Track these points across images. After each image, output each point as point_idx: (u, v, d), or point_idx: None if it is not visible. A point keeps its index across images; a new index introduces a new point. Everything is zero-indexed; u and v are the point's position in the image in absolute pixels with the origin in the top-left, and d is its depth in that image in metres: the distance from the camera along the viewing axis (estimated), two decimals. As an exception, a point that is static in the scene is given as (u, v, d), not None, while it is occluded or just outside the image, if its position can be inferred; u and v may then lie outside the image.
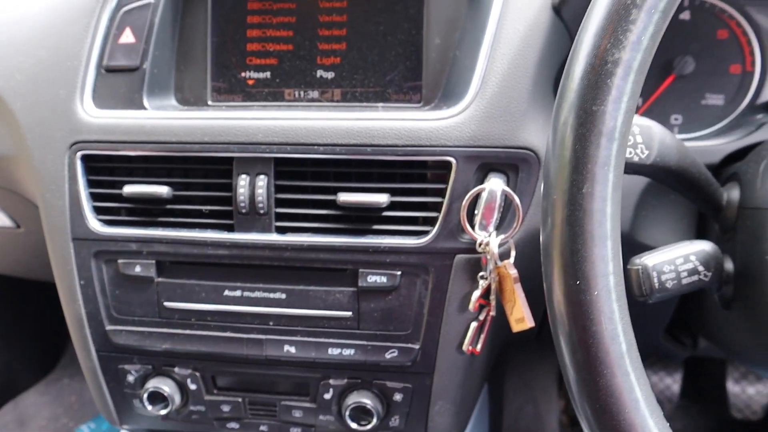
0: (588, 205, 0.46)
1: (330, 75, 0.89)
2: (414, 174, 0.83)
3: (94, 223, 0.89)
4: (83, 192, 0.88)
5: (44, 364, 1.90)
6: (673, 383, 1.66)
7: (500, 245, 0.80)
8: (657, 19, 0.46)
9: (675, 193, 0.81)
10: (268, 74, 0.90)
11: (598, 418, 0.47)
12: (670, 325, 1.07)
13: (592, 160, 0.46)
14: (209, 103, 0.92)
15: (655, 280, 0.63)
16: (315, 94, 0.90)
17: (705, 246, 0.66)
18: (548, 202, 0.49)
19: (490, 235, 0.79)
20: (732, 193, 0.74)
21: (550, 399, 1.61)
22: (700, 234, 0.87)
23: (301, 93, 0.90)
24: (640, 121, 0.64)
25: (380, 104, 0.88)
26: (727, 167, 0.83)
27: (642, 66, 0.47)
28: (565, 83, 0.49)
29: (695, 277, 0.66)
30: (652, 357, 1.67)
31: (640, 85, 0.48)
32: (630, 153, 0.64)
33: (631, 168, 0.65)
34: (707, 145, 0.86)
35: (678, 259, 0.65)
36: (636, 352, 0.48)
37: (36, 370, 1.88)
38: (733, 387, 1.62)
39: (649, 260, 0.63)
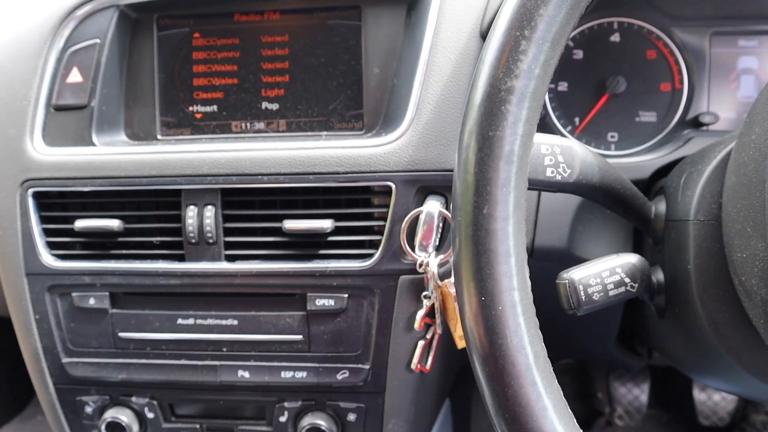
0: (489, 225, 0.49)
1: (275, 106, 0.92)
2: (357, 199, 0.86)
3: (48, 258, 0.90)
4: (35, 228, 0.90)
5: (17, 401, 1.89)
6: (641, 394, 1.68)
7: (440, 265, 0.82)
8: (547, 48, 0.50)
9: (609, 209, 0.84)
10: (215, 108, 0.93)
11: (510, 427, 0.49)
12: (625, 336, 1.10)
13: (491, 182, 0.49)
14: (158, 137, 0.94)
15: (582, 293, 0.66)
16: (261, 125, 0.93)
17: (631, 258, 0.69)
18: (455, 222, 0.51)
19: (429, 256, 0.82)
20: (659, 207, 0.77)
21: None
22: (635, 247, 0.90)
23: (248, 125, 0.93)
24: (560, 142, 0.67)
25: (324, 133, 0.91)
26: (657, 182, 0.87)
27: (536, 92, 0.50)
28: (466, 110, 0.52)
29: (622, 289, 0.68)
30: (618, 369, 1.69)
31: (537, 110, 0.51)
32: (553, 172, 0.66)
33: (555, 186, 0.67)
34: (637, 161, 0.89)
35: (604, 272, 0.68)
36: (545, 362, 0.50)
37: (9, 408, 1.86)
38: (699, 395, 1.64)
39: (575, 274, 0.66)
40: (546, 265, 0.83)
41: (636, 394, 1.69)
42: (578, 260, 0.86)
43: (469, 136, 0.51)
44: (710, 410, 1.65)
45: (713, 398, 1.65)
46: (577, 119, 0.97)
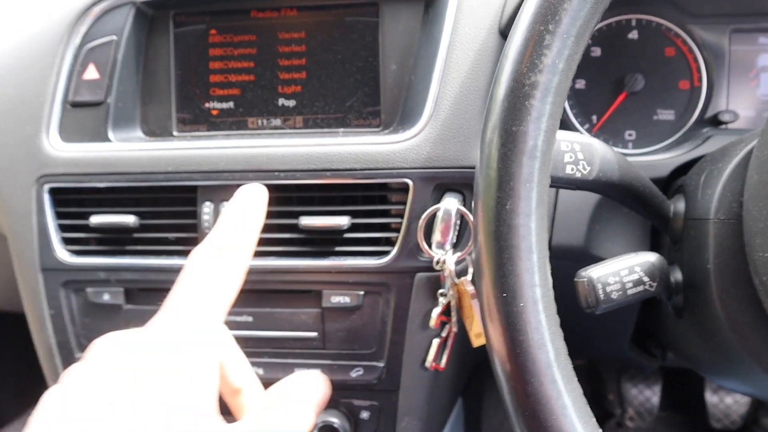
0: (512, 220, 0.49)
1: (291, 103, 0.92)
2: (375, 196, 0.86)
3: (63, 254, 0.91)
4: (51, 223, 0.90)
5: (25, 397, 1.90)
6: (653, 395, 1.67)
7: (457, 263, 0.82)
8: (571, 43, 0.49)
9: (627, 207, 0.84)
10: (231, 104, 0.93)
11: (528, 424, 0.49)
12: (639, 337, 1.09)
13: (514, 177, 0.49)
14: (174, 133, 0.94)
15: (600, 291, 0.65)
16: (278, 121, 0.93)
17: (650, 257, 0.68)
18: (477, 218, 0.51)
19: (446, 253, 0.81)
20: (678, 205, 0.77)
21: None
22: (653, 246, 0.89)
23: (264, 121, 0.93)
24: (581, 139, 0.66)
25: (341, 130, 0.91)
26: (675, 180, 0.86)
27: (559, 88, 0.49)
28: (489, 106, 0.51)
29: (640, 288, 0.68)
30: (631, 370, 1.69)
31: (560, 106, 0.51)
32: (572, 170, 0.66)
33: (574, 184, 0.67)
34: (656, 160, 0.89)
35: (623, 270, 0.67)
36: (565, 360, 0.50)
37: (17, 405, 1.87)
38: (711, 397, 1.63)
39: (594, 272, 0.66)
40: (562, 263, 0.82)
41: (648, 395, 1.68)
42: (595, 259, 0.85)
43: (492, 132, 0.50)
44: (722, 413, 1.63)
45: (725, 401, 1.63)
46: (594, 117, 0.96)
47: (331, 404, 0.91)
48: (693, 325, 0.76)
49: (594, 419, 0.50)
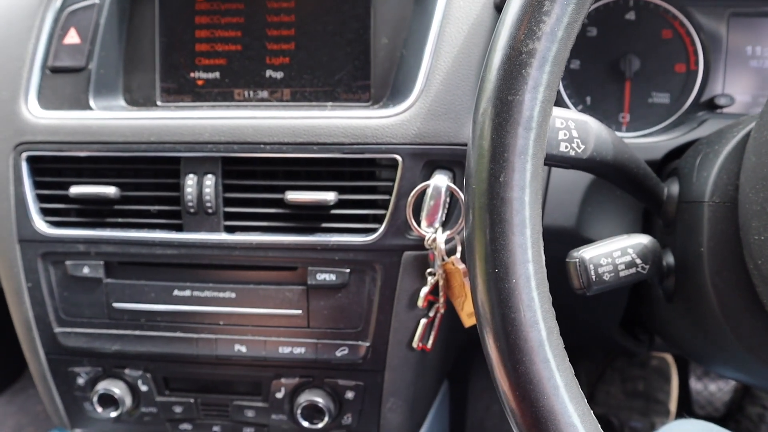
0: (505, 193, 0.47)
1: (279, 75, 0.89)
2: (363, 172, 0.84)
3: (41, 225, 0.88)
4: (29, 193, 0.88)
5: (9, 374, 1.87)
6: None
7: (447, 241, 0.80)
8: (571, 10, 0.47)
9: (620, 188, 0.82)
10: (217, 74, 0.90)
11: (519, 405, 0.47)
12: (627, 322, 1.08)
13: (509, 149, 0.47)
14: (158, 103, 0.91)
15: (592, 272, 0.64)
16: (264, 93, 0.90)
17: (643, 239, 0.67)
18: (469, 191, 0.49)
19: (436, 232, 0.80)
20: (672, 188, 0.75)
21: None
22: (645, 229, 0.88)
23: (251, 93, 0.90)
24: (576, 116, 0.64)
25: (329, 103, 0.88)
26: (669, 163, 0.85)
27: (558, 57, 0.47)
28: (484, 74, 0.49)
29: (633, 270, 0.66)
30: (621, 358, 1.68)
31: (558, 76, 0.48)
32: (566, 148, 0.64)
33: (568, 162, 0.65)
34: (650, 142, 0.87)
35: (615, 252, 0.66)
36: (557, 339, 0.48)
37: (0, 381, 1.85)
38: (695, 384, 1.63)
39: (586, 253, 0.64)
40: (551, 244, 0.81)
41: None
42: (586, 241, 0.84)
43: (486, 101, 0.48)
44: (706, 400, 1.64)
45: (709, 388, 1.64)
46: (588, 98, 0.95)
47: (316, 384, 0.90)
48: (684, 310, 0.75)
49: (585, 400, 0.49)
